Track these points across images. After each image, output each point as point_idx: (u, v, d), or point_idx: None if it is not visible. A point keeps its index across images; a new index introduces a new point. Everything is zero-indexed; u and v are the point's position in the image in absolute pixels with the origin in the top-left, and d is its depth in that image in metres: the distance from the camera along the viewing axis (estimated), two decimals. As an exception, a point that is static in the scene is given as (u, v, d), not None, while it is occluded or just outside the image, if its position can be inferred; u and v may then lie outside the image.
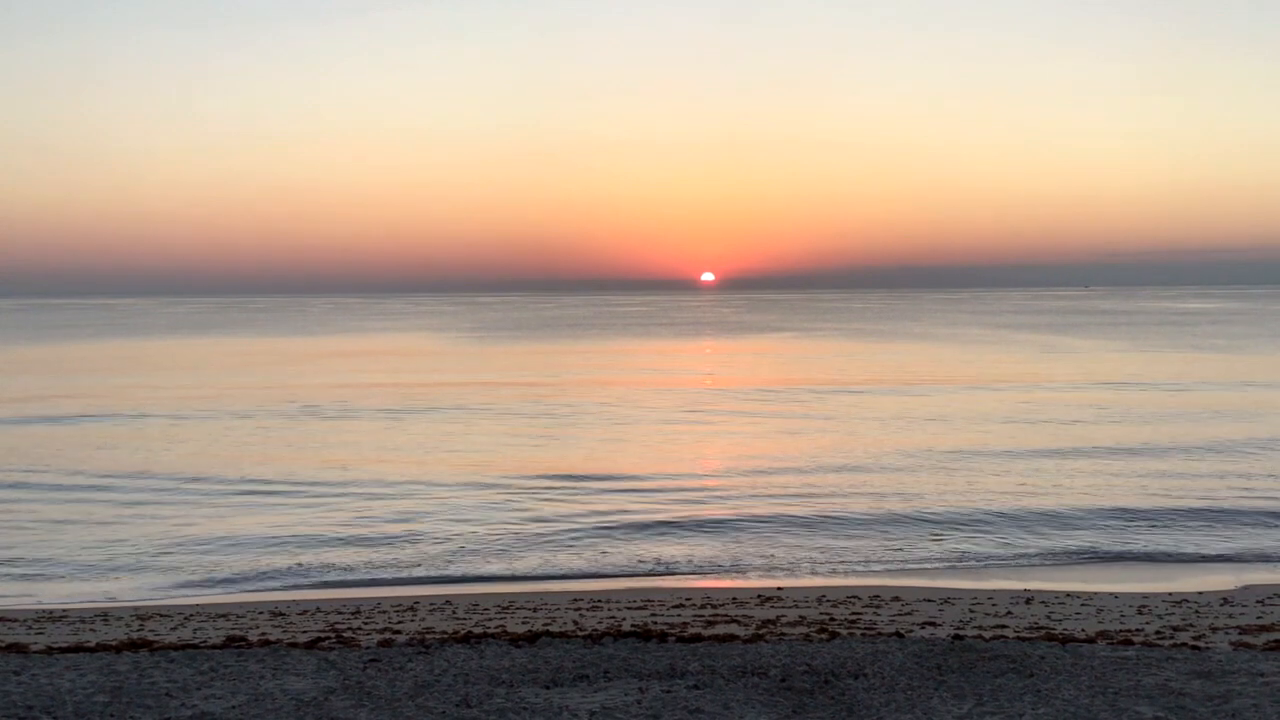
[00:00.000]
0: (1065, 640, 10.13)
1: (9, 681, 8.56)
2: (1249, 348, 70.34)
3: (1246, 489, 23.32)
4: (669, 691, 8.21)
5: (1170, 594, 14.83)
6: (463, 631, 11.16)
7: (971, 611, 13.29)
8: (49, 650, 10.00)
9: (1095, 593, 15.07)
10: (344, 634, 11.39)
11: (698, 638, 10.14)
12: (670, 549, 18.72)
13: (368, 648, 9.78)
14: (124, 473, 26.82)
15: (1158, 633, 11.40)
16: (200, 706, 7.91)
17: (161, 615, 13.97)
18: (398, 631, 11.73)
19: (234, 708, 7.89)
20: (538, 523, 20.63)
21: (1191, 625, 12.06)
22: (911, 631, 11.33)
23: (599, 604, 14.18)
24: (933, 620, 12.56)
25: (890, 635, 10.49)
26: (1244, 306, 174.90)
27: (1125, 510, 21.16)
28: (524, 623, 12.64)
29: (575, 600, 14.60)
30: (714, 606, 13.81)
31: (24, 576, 17.30)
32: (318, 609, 14.29)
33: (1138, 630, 11.64)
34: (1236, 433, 31.34)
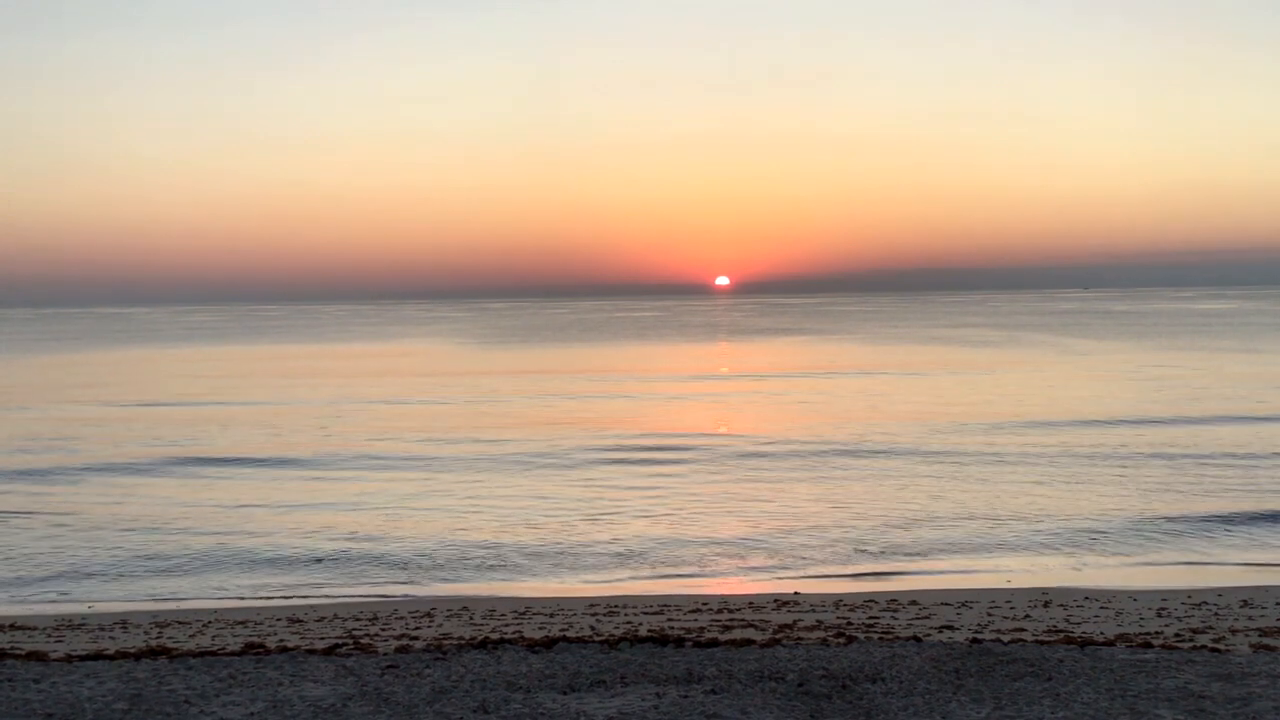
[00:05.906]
0: (1084, 643, 10.09)
1: (29, 689, 8.59)
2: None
3: None
4: (686, 696, 8.20)
5: (1189, 596, 14.77)
6: (480, 637, 11.17)
7: (989, 615, 13.26)
8: (68, 658, 10.02)
9: (1114, 594, 15.03)
10: (361, 640, 11.41)
11: (714, 642, 10.12)
12: (686, 554, 18.70)
13: (385, 654, 9.79)
14: (142, 478, 26.90)
15: (1177, 635, 11.36)
16: (219, 714, 7.93)
17: (180, 622, 14.01)
18: (415, 637, 11.74)
19: (252, 715, 7.90)
20: (555, 528, 20.63)
21: (1211, 627, 12.01)
22: (929, 635, 11.30)
23: (615, 609, 14.18)
24: (950, 624, 12.53)
25: (908, 639, 10.46)
26: (1261, 306, 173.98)
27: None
28: (541, 628, 12.64)
29: (592, 605, 14.59)
30: (730, 611, 13.79)
31: (47, 580, 17.35)
32: (335, 615, 14.31)
33: (1157, 633, 11.59)
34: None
